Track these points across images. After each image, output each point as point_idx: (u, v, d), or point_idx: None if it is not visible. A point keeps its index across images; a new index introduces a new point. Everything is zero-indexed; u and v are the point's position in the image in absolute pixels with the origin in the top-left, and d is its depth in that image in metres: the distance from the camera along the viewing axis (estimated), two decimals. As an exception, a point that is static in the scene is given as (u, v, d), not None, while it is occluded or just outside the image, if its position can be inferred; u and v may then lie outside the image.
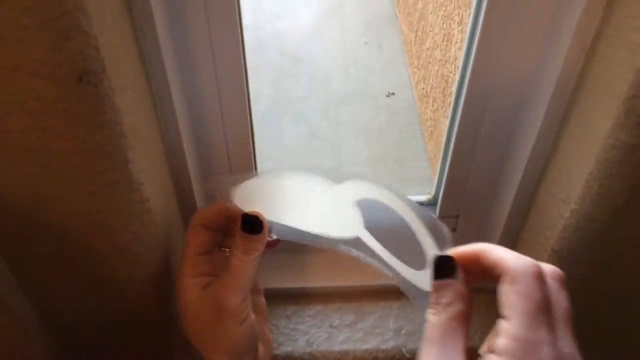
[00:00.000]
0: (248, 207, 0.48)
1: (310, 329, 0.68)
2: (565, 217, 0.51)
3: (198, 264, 0.48)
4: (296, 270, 0.71)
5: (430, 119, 1.77)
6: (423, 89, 1.87)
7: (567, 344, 0.34)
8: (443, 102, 1.60)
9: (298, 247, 0.72)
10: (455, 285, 0.38)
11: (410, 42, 2.07)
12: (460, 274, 0.39)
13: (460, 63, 0.58)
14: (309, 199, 0.51)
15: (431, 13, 1.75)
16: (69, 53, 0.33)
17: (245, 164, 0.62)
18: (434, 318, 0.37)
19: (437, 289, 0.39)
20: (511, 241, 0.64)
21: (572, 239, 0.52)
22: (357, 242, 0.49)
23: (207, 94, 0.54)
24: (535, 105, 0.54)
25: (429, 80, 1.79)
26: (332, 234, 0.49)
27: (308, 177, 0.52)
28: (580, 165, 0.48)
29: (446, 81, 1.58)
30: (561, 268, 0.41)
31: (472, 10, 0.53)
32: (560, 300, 0.35)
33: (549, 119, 0.52)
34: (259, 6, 2.42)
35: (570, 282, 0.36)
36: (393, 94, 2.06)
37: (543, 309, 0.34)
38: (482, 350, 0.36)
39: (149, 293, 0.51)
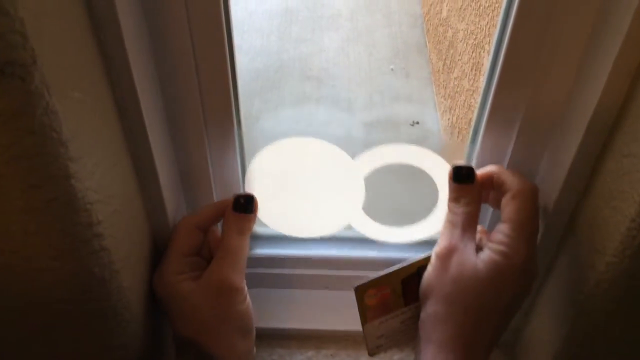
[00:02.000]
0: (255, 187, 0.51)
1: (298, 378, 0.60)
2: (600, 270, 0.42)
3: (185, 263, 0.49)
4: (286, 309, 0.63)
5: (456, 150, 1.68)
6: (449, 119, 1.79)
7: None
8: (469, 133, 1.52)
9: (289, 282, 0.64)
10: (474, 188, 0.48)
11: (438, 70, 2.00)
12: (477, 181, 0.48)
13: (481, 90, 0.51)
14: (312, 182, 0.53)
15: (461, 41, 1.68)
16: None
17: (231, 186, 0.55)
18: (455, 209, 0.47)
19: (457, 191, 0.48)
20: (534, 291, 0.55)
21: (606, 297, 0.43)
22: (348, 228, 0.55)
23: (188, 100, 0.48)
24: (566, 138, 0.46)
25: (455, 110, 1.72)
26: (321, 232, 0.54)
27: (322, 149, 0.53)
28: (620, 208, 0.40)
29: (473, 112, 1.50)
30: (593, 333, 0.46)
31: (496, 36, 0.47)
32: None
33: (583, 154, 0.44)
34: (286, 30, 2.38)
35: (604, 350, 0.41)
36: (417, 123, 1.98)
37: (530, 222, 0.45)
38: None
39: (102, 330, 0.44)
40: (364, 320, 0.51)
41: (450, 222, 0.47)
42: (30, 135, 0.32)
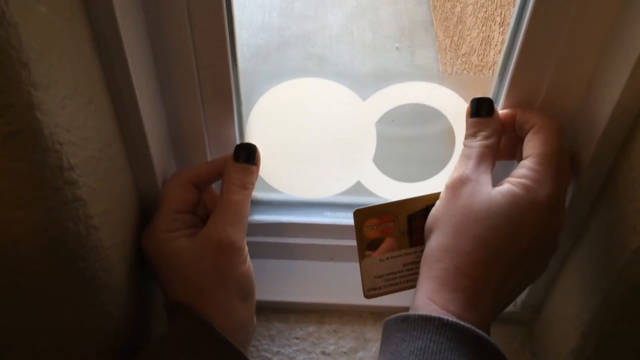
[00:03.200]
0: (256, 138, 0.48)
1: (298, 354, 0.55)
2: (632, 249, 0.37)
3: (178, 220, 0.45)
4: (286, 280, 0.58)
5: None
6: (455, 97, 1.73)
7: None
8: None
9: (290, 252, 0.59)
10: (493, 122, 0.44)
11: (445, 48, 1.94)
12: (497, 114, 0.44)
13: (498, 68, 0.46)
14: (318, 131, 0.49)
15: (470, 15, 1.62)
16: None
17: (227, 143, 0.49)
18: (471, 142, 0.43)
19: (475, 125, 0.44)
20: (557, 262, 0.50)
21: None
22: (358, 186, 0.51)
23: (176, 36, 0.42)
24: (608, 83, 0.41)
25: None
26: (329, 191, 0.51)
27: (331, 92, 0.48)
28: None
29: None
30: (631, 303, 0.40)
31: (516, 10, 0.43)
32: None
33: (626, 100, 0.39)
34: (289, 6, 2.32)
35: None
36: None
37: (556, 156, 0.40)
38: None
39: (78, 296, 0.39)
40: (361, 254, 0.46)
41: (464, 156, 0.43)
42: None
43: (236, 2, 0.42)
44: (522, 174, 0.40)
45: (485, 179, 0.41)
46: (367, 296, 0.47)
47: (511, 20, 0.43)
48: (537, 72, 0.43)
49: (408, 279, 0.46)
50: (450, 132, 0.49)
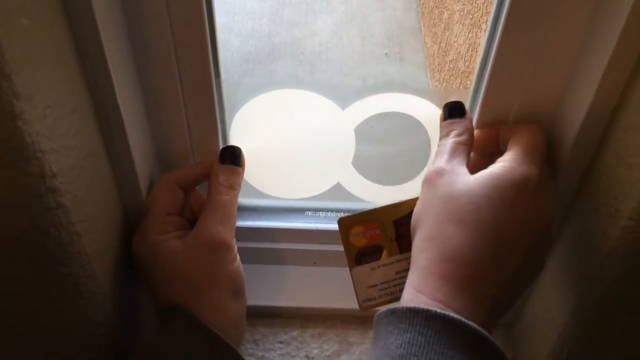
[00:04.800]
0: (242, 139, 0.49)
1: (282, 358, 0.56)
2: (613, 236, 0.38)
3: (167, 223, 0.46)
4: (270, 285, 0.59)
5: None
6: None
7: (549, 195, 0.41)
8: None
9: (274, 257, 0.60)
10: (465, 122, 0.45)
11: (433, 54, 1.95)
12: (469, 114, 0.46)
13: (473, 82, 0.48)
14: (299, 136, 0.50)
15: (457, 22, 1.64)
16: None
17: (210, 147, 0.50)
18: (444, 141, 0.44)
19: (447, 126, 0.45)
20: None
21: (620, 266, 0.39)
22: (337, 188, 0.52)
23: (158, 43, 0.43)
24: (579, 92, 0.42)
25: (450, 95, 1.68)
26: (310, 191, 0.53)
27: (311, 102, 0.50)
28: (637, 166, 0.36)
29: (468, 94, 1.46)
30: (603, 306, 0.41)
31: (490, 22, 0.44)
32: None
33: (596, 108, 0.40)
34: (278, 12, 2.33)
35: (618, 321, 0.36)
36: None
37: (539, 148, 0.42)
38: None
39: (61, 302, 0.40)
40: (351, 263, 0.45)
41: (438, 153, 0.43)
42: (-37, 61, 0.27)
43: (226, 9, 0.43)
44: (503, 159, 0.41)
45: (461, 169, 0.41)
46: (362, 308, 0.46)
47: (484, 37, 0.44)
48: (510, 84, 0.44)
49: (402, 288, 0.43)
50: (426, 138, 0.50)
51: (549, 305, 0.49)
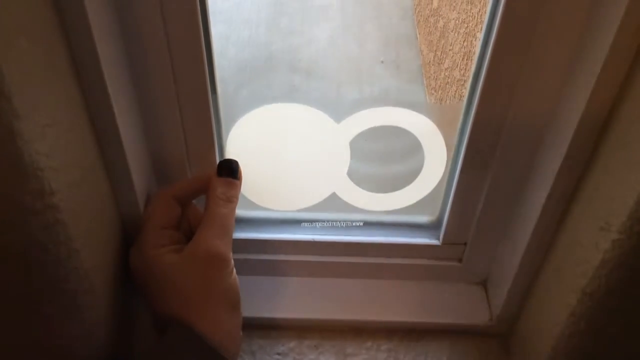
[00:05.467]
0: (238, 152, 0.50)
1: (279, 370, 0.56)
2: (604, 249, 0.39)
3: (164, 236, 0.46)
4: (267, 297, 0.59)
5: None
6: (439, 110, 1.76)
7: None
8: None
9: (270, 268, 0.60)
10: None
11: (429, 62, 1.97)
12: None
13: (465, 96, 0.48)
14: (295, 149, 0.51)
15: (452, 31, 1.65)
16: None
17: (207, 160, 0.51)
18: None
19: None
20: (528, 278, 0.52)
21: (611, 278, 0.40)
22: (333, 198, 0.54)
23: (155, 59, 0.44)
24: (566, 114, 0.42)
25: (445, 101, 1.69)
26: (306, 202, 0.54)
27: (306, 115, 0.50)
28: (628, 181, 0.37)
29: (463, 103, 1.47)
30: (595, 318, 0.41)
31: (482, 34, 0.44)
32: None
33: (587, 123, 0.41)
34: (275, 21, 2.34)
35: (609, 333, 0.35)
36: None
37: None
38: None
39: (59, 317, 0.40)
40: None
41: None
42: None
43: (224, 18, 0.44)
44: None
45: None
46: None
47: (476, 50, 0.45)
48: (503, 95, 0.45)
49: None
50: (421, 152, 0.51)
51: (543, 316, 0.50)
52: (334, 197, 0.54)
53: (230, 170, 0.48)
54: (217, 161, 0.51)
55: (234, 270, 0.47)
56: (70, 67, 0.37)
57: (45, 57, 0.33)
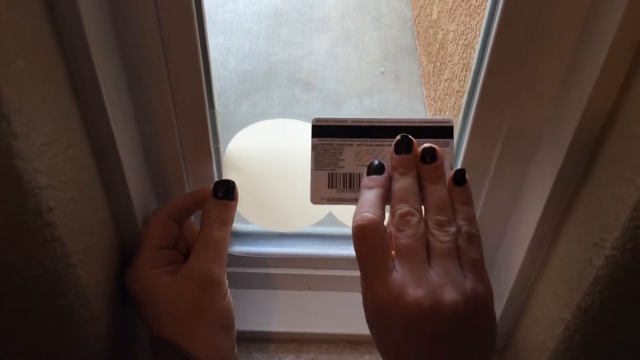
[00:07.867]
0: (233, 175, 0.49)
1: (276, 384, 0.56)
2: (598, 265, 0.39)
3: (160, 257, 0.47)
4: (265, 310, 0.59)
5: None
6: (439, 122, 1.76)
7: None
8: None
9: (268, 282, 0.60)
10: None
11: (429, 73, 1.97)
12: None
13: (462, 110, 0.49)
14: (292, 167, 0.51)
15: (451, 42, 1.66)
16: None
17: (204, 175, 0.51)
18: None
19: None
20: (524, 292, 0.52)
21: (605, 294, 0.40)
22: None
23: (154, 76, 0.44)
24: (561, 124, 0.43)
25: (445, 112, 1.69)
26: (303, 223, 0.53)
27: (303, 131, 0.48)
28: (620, 196, 0.37)
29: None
30: (590, 333, 0.40)
31: (480, 43, 0.45)
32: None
33: (580, 138, 0.41)
34: (275, 32, 2.36)
35: (604, 347, 0.35)
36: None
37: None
38: None
39: (57, 332, 0.40)
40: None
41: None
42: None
43: (224, 29, 0.44)
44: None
45: None
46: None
47: (475, 58, 0.45)
48: (499, 106, 0.45)
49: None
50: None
51: (538, 330, 0.50)
52: (330, 217, 0.54)
53: (226, 191, 0.47)
54: (215, 175, 0.52)
55: (228, 292, 0.47)
56: (68, 85, 0.37)
57: (43, 76, 0.34)
